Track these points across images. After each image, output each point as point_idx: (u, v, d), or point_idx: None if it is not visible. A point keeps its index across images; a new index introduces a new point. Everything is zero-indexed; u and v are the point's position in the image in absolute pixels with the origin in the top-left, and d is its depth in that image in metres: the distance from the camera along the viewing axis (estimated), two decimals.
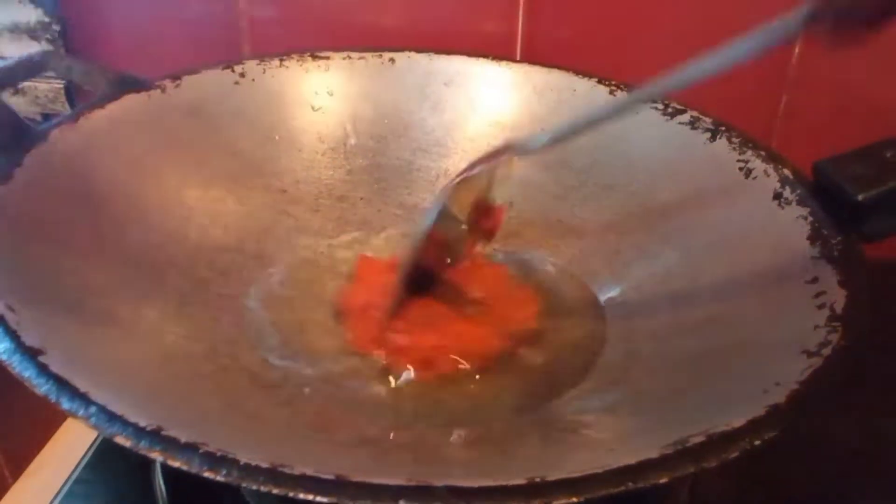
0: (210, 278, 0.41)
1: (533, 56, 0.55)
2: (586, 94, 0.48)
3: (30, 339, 0.27)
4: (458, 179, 0.39)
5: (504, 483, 0.23)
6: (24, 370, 0.26)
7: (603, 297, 0.41)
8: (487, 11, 0.56)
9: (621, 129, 0.46)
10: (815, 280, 0.33)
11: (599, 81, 0.48)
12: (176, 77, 0.46)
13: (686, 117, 0.45)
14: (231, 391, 0.34)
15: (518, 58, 0.56)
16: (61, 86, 0.59)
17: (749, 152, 0.42)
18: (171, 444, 0.24)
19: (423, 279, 0.40)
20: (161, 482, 0.37)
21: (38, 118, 0.61)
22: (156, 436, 0.24)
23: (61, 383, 0.26)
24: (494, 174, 0.39)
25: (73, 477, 0.39)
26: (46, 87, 0.59)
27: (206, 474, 0.23)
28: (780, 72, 0.53)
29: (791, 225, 0.37)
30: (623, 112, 0.38)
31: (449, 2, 0.56)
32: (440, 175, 0.50)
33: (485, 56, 0.50)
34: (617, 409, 0.32)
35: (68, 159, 0.39)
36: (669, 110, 0.45)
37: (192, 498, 0.37)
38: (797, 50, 0.51)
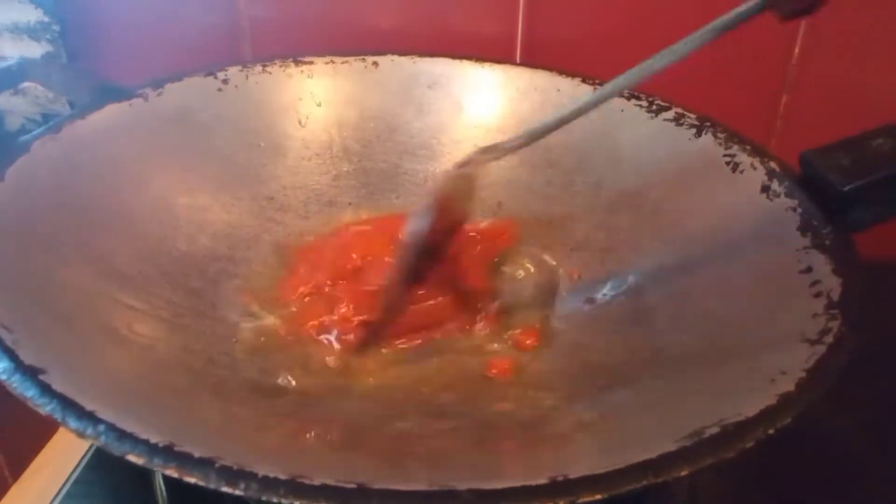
0: (202, 288, 0.40)
1: (533, 58, 0.55)
2: (570, 93, 0.49)
3: (28, 358, 0.27)
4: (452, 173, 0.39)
5: (527, 483, 0.23)
6: (25, 390, 0.25)
7: (598, 295, 0.42)
8: (487, 13, 0.56)
9: (607, 127, 0.47)
10: (808, 270, 0.34)
11: (583, 80, 0.48)
12: (158, 85, 0.45)
13: (671, 114, 0.45)
14: (232, 403, 0.33)
15: (518, 59, 0.56)
16: None
17: (735, 147, 0.42)
18: (186, 460, 0.23)
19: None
20: (161, 482, 0.36)
21: (39, 118, 0.59)
22: (169, 452, 0.24)
23: (66, 402, 0.25)
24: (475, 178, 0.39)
25: (73, 478, 0.39)
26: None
27: (225, 489, 0.23)
28: (780, 72, 0.53)
29: (781, 217, 0.38)
30: (593, 107, 0.37)
31: (449, 4, 0.56)
32: (427, 178, 0.50)
33: (468, 58, 0.50)
34: (624, 405, 0.32)
35: (52, 170, 0.38)
36: (654, 107, 0.46)
37: (192, 498, 0.36)
38: (797, 50, 0.52)
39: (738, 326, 0.34)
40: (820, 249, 0.35)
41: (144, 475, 0.37)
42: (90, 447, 0.40)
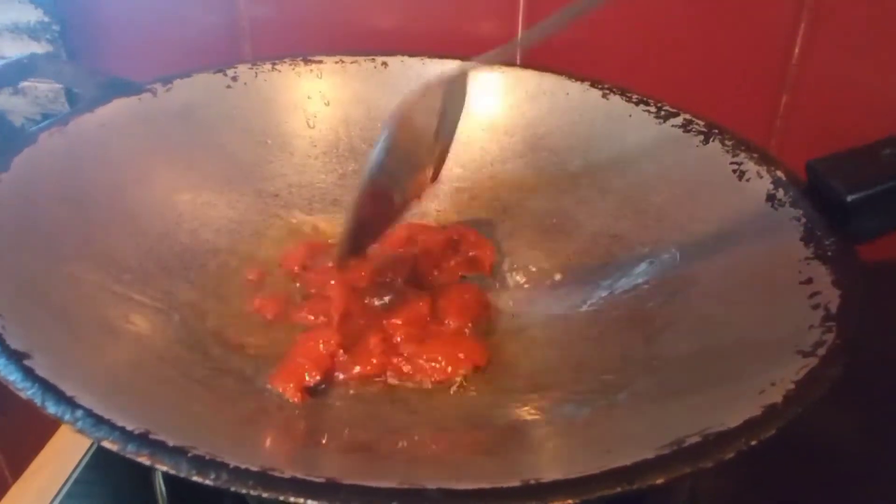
0: (202, 282, 0.40)
1: (533, 59, 0.55)
2: (579, 96, 0.48)
3: (15, 343, 0.27)
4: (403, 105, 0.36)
5: (498, 485, 0.23)
6: (8, 374, 0.26)
7: (596, 298, 0.41)
8: (487, 14, 0.56)
9: (614, 131, 0.47)
10: (809, 281, 0.33)
11: (592, 84, 0.48)
12: (167, 81, 0.45)
13: (679, 120, 0.45)
14: (222, 395, 0.33)
15: (518, 61, 0.56)
16: (61, 86, 0.59)
17: (742, 154, 0.41)
18: (158, 448, 0.23)
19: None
20: (161, 483, 0.37)
21: (38, 118, 0.60)
22: (143, 439, 0.24)
23: (47, 387, 0.25)
24: (444, 96, 0.37)
25: (73, 478, 0.39)
26: (46, 88, 0.59)
27: (195, 478, 0.23)
28: (780, 72, 0.53)
29: (784, 226, 0.37)
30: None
31: (449, 4, 0.56)
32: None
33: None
34: (612, 410, 0.32)
35: (58, 162, 0.39)
36: (662, 113, 0.45)
37: (192, 498, 0.36)
38: (797, 50, 0.51)
39: (734, 335, 0.33)
40: (822, 260, 0.34)
41: (145, 475, 0.37)
42: (90, 447, 0.41)
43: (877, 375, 0.44)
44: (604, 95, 0.47)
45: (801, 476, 0.39)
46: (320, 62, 0.50)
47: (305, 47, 0.50)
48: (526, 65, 0.51)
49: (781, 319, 0.32)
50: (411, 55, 0.51)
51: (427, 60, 0.50)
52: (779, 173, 0.39)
